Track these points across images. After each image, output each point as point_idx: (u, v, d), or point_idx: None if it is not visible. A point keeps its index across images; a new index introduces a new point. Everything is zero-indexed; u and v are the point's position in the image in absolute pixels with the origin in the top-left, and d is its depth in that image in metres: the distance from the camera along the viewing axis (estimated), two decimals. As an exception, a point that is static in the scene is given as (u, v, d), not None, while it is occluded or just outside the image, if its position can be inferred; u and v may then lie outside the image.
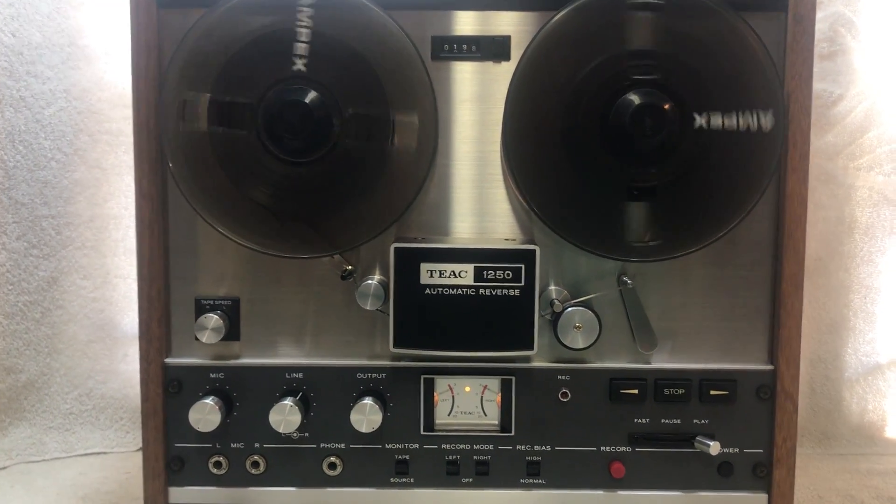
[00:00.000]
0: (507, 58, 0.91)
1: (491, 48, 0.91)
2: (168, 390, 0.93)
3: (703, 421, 0.93)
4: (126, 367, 1.26)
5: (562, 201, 0.88)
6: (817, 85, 0.89)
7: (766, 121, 0.84)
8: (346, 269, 0.91)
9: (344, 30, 0.86)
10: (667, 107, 0.85)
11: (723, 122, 0.84)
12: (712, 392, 0.93)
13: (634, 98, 0.84)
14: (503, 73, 0.90)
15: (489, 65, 0.91)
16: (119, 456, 1.21)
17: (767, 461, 0.94)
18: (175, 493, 0.95)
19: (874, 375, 1.26)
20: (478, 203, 0.93)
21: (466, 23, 0.91)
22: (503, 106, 0.89)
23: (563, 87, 0.86)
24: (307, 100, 0.84)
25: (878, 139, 1.22)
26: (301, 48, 0.84)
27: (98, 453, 1.22)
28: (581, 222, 0.88)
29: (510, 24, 0.91)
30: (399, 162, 0.88)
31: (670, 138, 0.85)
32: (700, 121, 0.84)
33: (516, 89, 0.88)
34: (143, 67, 0.90)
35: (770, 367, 0.93)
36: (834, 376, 1.26)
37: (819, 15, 0.92)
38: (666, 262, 0.92)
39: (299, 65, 0.85)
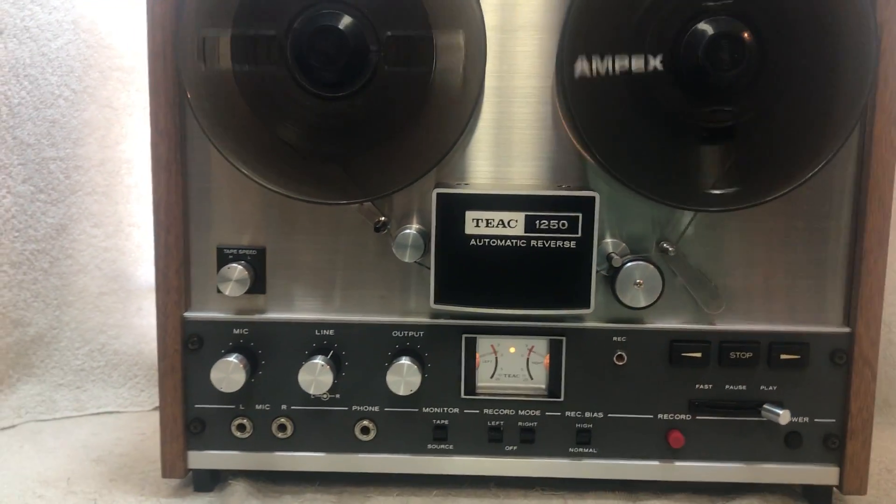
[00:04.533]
0: (565, -19, 0.81)
1: (547, -32, 0.81)
2: (187, 346, 0.86)
3: (771, 387, 0.86)
4: (140, 322, 1.18)
5: (626, 144, 0.79)
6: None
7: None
8: (380, 221, 0.83)
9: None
10: (745, 36, 0.75)
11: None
12: (782, 356, 0.85)
13: (708, 28, 0.75)
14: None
15: (546, -10, 0.82)
16: (133, 416, 1.15)
17: (840, 432, 0.86)
18: (194, 457, 0.88)
19: (943, 340, 1.18)
20: (528, 146, 0.84)
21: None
22: (559, 36, 0.80)
23: (628, 16, 0.77)
24: (341, 25, 0.75)
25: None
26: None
27: (111, 412, 1.15)
28: (647, 168, 0.79)
29: (568, -58, 0.81)
30: (443, 94, 0.79)
31: (748, 73, 0.76)
32: None
33: (575, 18, 0.78)
34: (159, -9, 0.81)
35: (846, 329, 0.85)
36: (899, 341, 1.18)
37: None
38: (733, 212, 0.83)
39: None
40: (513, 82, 0.83)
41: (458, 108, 0.80)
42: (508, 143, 0.84)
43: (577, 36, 0.78)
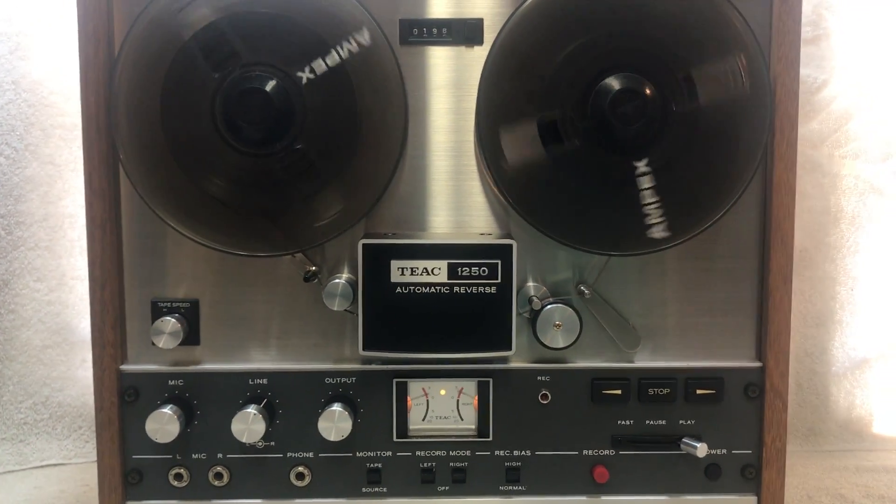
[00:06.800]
0: (479, 42, 0.86)
1: (463, 32, 0.86)
2: (124, 399, 0.88)
3: (689, 421, 0.89)
4: (84, 374, 1.19)
5: (539, 193, 0.83)
6: (801, 70, 0.85)
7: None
8: (310, 270, 0.86)
9: (305, 13, 0.80)
10: (648, 92, 0.80)
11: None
12: (698, 391, 0.89)
13: (614, 83, 0.80)
14: (477, 59, 0.85)
15: (462, 49, 0.86)
16: (77, 467, 1.15)
17: (756, 462, 0.90)
18: (133, 507, 0.89)
19: (862, 369, 1.23)
20: (452, 196, 0.88)
21: (437, 5, 0.86)
22: (476, 94, 0.84)
23: (538, 73, 0.81)
24: (267, 88, 0.79)
25: (864, 126, 1.19)
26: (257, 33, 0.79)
27: (55, 465, 1.15)
28: (560, 215, 0.83)
29: (483, 6, 0.86)
30: (367, 154, 0.83)
31: (652, 125, 0.81)
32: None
33: (489, 75, 0.83)
34: (92, 56, 0.84)
35: (758, 364, 0.89)
36: (821, 371, 1.23)
37: (802, -4, 0.88)
38: (649, 255, 0.87)
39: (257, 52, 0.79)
40: (462, 137, 0.87)
41: (384, 161, 0.84)
42: (434, 194, 0.88)
43: (491, 89, 0.83)
